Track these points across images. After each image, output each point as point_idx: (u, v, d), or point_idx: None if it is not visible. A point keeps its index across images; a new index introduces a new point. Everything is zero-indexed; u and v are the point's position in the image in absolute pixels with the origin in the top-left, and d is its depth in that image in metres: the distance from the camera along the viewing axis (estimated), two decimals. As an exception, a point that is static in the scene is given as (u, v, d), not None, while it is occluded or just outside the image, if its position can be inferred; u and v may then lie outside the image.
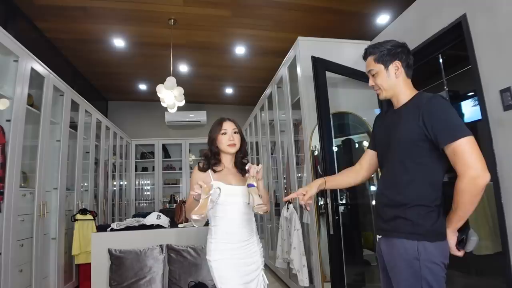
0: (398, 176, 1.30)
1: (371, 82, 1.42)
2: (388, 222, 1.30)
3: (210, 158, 1.66)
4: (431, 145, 1.21)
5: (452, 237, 1.22)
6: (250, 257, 1.58)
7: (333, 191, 2.20)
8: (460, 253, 1.23)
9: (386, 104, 2.63)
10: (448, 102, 1.24)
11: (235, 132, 1.68)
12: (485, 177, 1.11)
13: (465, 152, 1.13)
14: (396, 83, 1.35)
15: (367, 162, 1.55)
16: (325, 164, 2.27)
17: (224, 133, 1.66)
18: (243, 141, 1.73)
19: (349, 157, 3.14)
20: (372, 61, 1.39)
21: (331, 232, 2.17)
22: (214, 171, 1.64)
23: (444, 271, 1.20)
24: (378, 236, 1.38)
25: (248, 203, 1.55)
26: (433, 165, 1.23)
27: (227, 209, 1.58)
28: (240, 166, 1.71)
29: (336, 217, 2.16)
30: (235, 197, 1.59)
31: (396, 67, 1.35)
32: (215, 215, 1.59)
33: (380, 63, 1.36)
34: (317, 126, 2.49)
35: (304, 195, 1.42)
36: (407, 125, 1.27)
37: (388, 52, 1.35)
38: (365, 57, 1.43)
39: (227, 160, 1.70)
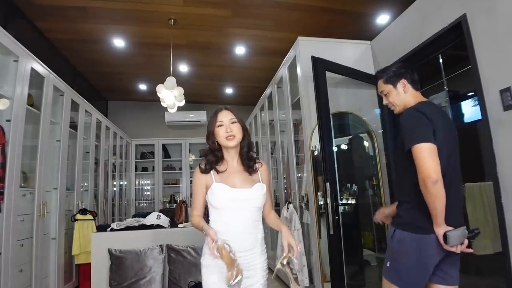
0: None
1: (385, 101, 1.66)
2: None
3: (210, 156, 1.47)
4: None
5: (439, 232, 1.34)
6: (248, 269, 1.38)
7: (333, 191, 2.21)
8: (448, 248, 1.34)
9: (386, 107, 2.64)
10: (414, 113, 1.43)
11: (233, 122, 1.47)
12: (431, 179, 1.29)
13: (416, 158, 1.34)
14: (405, 98, 1.59)
15: None
16: (325, 164, 2.26)
17: (221, 125, 1.45)
18: (245, 132, 1.51)
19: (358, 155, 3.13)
20: (382, 83, 1.64)
21: (331, 232, 2.17)
22: (218, 172, 1.45)
23: (420, 261, 1.38)
24: None
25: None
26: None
27: (229, 214, 1.39)
28: (247, 162, 1.50)
29: (336, 217, 2.16)
30: (239, 202, 1.39)
31: (403, 84, 1.59)
32: (214, 219, 1.42)
33: (389, 83, 1.61)
34: (317, 126, 2.49)
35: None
36: None
37: (393, 73, 1.61)
38: (376, 81, 1.69)
39: (231, 156, 1.49)
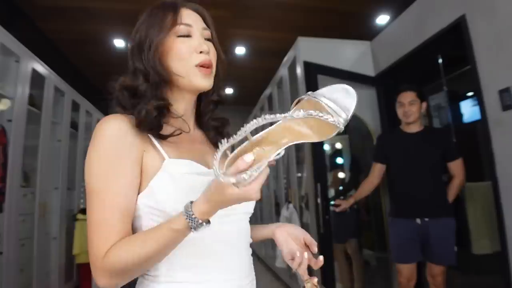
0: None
1: (407, 107, 2.06)
2: None
3: (151, 105, 0.64)
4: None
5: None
6: None
7: (324, 192, 2.29)
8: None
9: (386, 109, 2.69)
10: None
11: (208, 39, 0.74)
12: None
13: (460, 166, 2.05)
14: (420, 115, 2.09)
15: (380, 173, 2.22)
16: (315, 167, 2.36)
17: (186, 35, 0.68)
18: (221, 62, 0.76)
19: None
20: (415, 95, 2.07)
21: (321, 231, 2.21)
22: (162, 136, 0.64)
23: None
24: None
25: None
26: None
27: (210, 233, 0.57)
28: (215, 124, 0.76)
29: (327, 216, 2.23)
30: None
31: (425, 105, 2.12)
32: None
33: (419, 99, 2.09)
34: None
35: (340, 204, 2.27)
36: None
37: (424, 95, 2.14)
38: (406, 89, 2.11)
39: (181, 109, 0.71)
